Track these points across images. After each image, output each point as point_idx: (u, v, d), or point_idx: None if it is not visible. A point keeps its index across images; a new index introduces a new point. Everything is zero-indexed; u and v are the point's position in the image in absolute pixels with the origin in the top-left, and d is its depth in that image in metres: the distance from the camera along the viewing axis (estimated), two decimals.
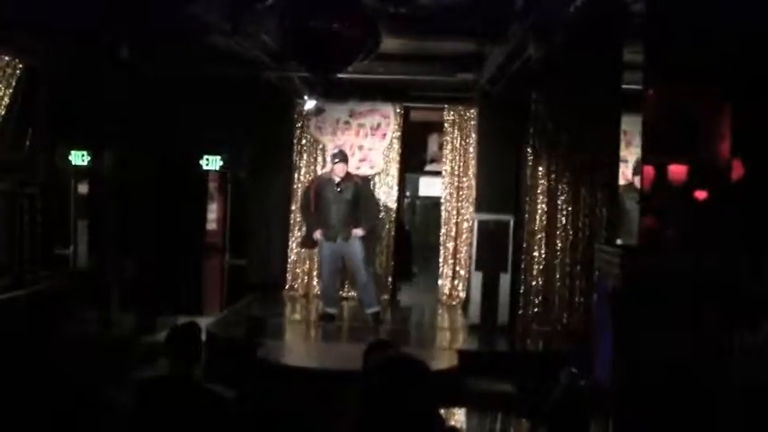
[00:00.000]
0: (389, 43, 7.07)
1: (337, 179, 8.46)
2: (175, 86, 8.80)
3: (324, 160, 10.00)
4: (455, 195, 9.99)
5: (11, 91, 7.54)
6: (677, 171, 5.53)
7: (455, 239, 9.99)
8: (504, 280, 8.33)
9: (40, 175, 8.32)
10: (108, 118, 8.58)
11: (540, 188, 8.16)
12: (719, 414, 4.89)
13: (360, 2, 5.99)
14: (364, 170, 9.95)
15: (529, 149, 8.22)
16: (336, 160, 8.50)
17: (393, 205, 10.14)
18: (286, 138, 10.18)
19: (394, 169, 10.14)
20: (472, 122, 9.79)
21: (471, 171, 9.70)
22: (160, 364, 5.93)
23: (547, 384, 5.45)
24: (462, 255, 9.88)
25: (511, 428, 6.38)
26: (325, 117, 10.12)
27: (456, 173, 9.97)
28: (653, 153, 5.71)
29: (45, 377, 5.52)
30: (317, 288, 9.67)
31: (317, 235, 8.50)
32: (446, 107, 10.01)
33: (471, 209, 9.37)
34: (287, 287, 10.14)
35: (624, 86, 7.41)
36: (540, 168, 8.17)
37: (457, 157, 9.99)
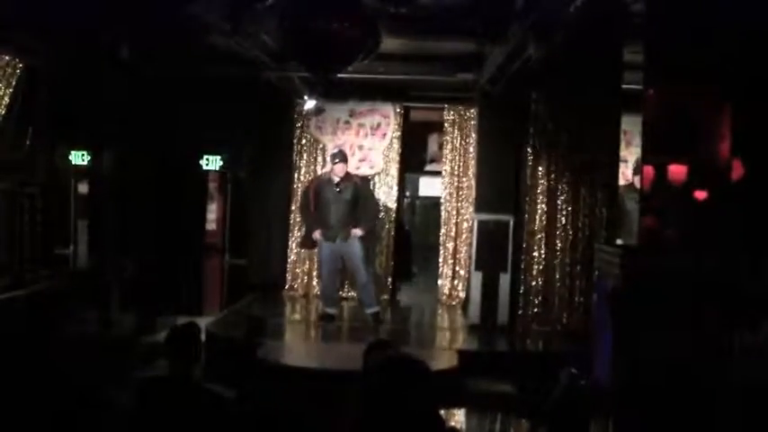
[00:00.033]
0: (389, 43, 7.07)
1: (337, 179, 8.46)
2: (175, 86, 8.81)
3: (324, 160, 10.00)
4: (455, 195, 9.99)
5: (11, 91, 7.54)
6: (677, 171, 5.53)
7: (455, 239, 9.99)
8: (504, 280, 8.33)
9: (40, 175, 8.32)
10: (108, 118, 8.58)
11: (539, 188, 8.16)
12: (719, 414, 4.89)
13: (360, 2, 5.99)
14: (364, 170, 9.95)
15: (529, 149, 8.22)
16: (336, 160, 8.50)
17: (393, 205, 10.14)
18: (286, 138, 10.18)
19: (394, 169, 10.14)
20: (472, 122, 9.79)
21: (471, 171, 9.70)
22: (160, 364, 5.94)
23: (547, 384, 5.45)
24: (462, 255, 9.88)
25: (511, 428, 6.38)
26: (325, 117, 10.12)
27: (456, 173, 9.97)
28: (653, 153, 5.71)
29: (45, 377, 5.52)
30: (317, 288, 9.66)
31: (317, 235, 8.50)
32: (446, 107, 10.01)
33: (471, 209, 9.37)
34: (287, 287, 10.14)
35: (624, 86, 7.43)
36: (540, 168, 8.17)
37: (457, 157, 9.99)
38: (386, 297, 9.95)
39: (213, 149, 9.50)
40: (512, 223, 8.34)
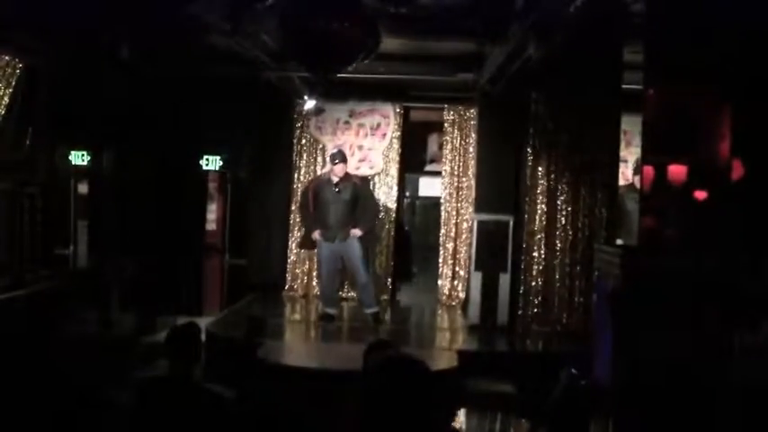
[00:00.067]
0: (389, 43, 7.07)
1: (336, 179, 8.46)
2: (175, 86, 8.80)
3: (324, 160, 9.99)
4: (455, 195, 9.99)
5: (11, 91, 7.53)
6: (677, 171, 5.53)
7: (455, 240, 9.99)
8: (504, 280, 8.34)
9: (40, 175, 8.30)
10: (108, 118, 8.57)
11: (539, 188, 8.16)
12: (719, 414, 4.89)
13: (360, 2, 5.99)
14: (364, 170, 9.95)
15: (529, 149, 8.22)
16: (335, 161, 8.49)
17: (393, 205, 10.14)
18: (286, 138, 10.18)
19: (394, 169, 10.14)
20: (472, 122, 9.78)
21: (471, 171, 9.70)
22: (160, 364, 5.94)
23: (547, 384, 5.45)
24: (462, 255, 9.88)
25: (511, 428, 6.38)
26: (325, 117, 10.13)
27: (456, 173, 9.97)
28: (653, 153, 5.71)
29: (45, 377, 5.52)
30: (317, 288, 9.66)
31: (316, 235, 8.50)
32: (446, 107, 10.01)
33: (471, 209, 9.37)
34: (287, 287, 10.15)
35: (624, 86, 7.43)
36: (540, 168, 8.17)
37: (457, 157, 9.98)
38: (386, 297, 9.96)
39: (213, 149, 9.50)
40: (512, 223, 8.34)
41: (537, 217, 8.16)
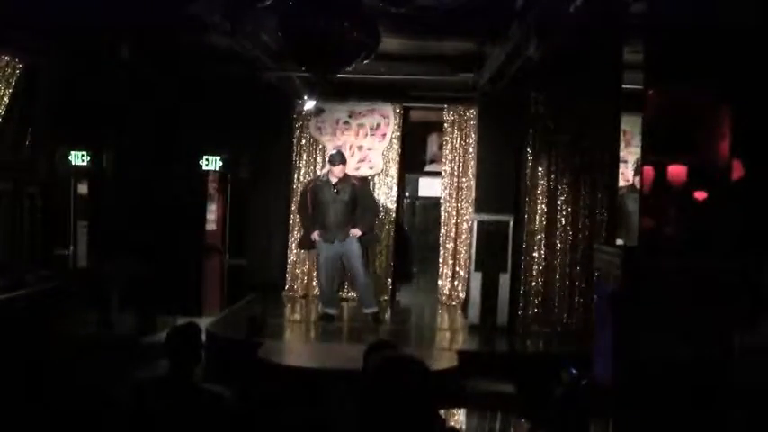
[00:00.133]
0: (389, 43, 7.07)
1: (334, 180, 8.46)
2: (175, 86, 8.80)
3: (323, 161, 9.98)
4: (455, 196, 9.98)
5: (11, 91, 7.53)
6: (677, 171, 5.53)
7: (455, 240, 9.98)
8: (504, 280, 8.33)
9: (40, 175, 8.31)
10: (108, 118, 8.57)
11: (539, 188, 8.16)
12: (720, 414, 4.89)
13: (360, 2, 5.99)
14: (364, 170, 9.95)
15: (529, 150, 8.21)
16: (335, 162, 8.49)
17: (392, 206, 10.14)
18: (286, 138, 10.18)
19: (393, 170, 10.14)
20: (472, 122, 9.78)
21: (471, 171, 9.69)
22: (160, 364, 5.94)
23: (547, 384, 5.45)
24: (462, 255, 9.88)
25: (511, 428, 6.38)
26: (324, 117, 10.13)
27: (455, 173, 9.96)
28: (653, 153, 5.72)
29: (45, 377, 5.52)
30: (317, 289, 9.66)
31: (315, 236, 8.50)
32: (446, 107, 10.00)
33: (471, 209, 9.36)
34: (286, 288, 10.15)
35: (624, 86, 7.43)
36: (540, 168, 8.17)
37: (456, 158, 9.98)
38: (386, 297, 9.96)
39: (213, 150, 9.50)
40: (512, 224, 8.33)
41: (537, 217, 8.16)
